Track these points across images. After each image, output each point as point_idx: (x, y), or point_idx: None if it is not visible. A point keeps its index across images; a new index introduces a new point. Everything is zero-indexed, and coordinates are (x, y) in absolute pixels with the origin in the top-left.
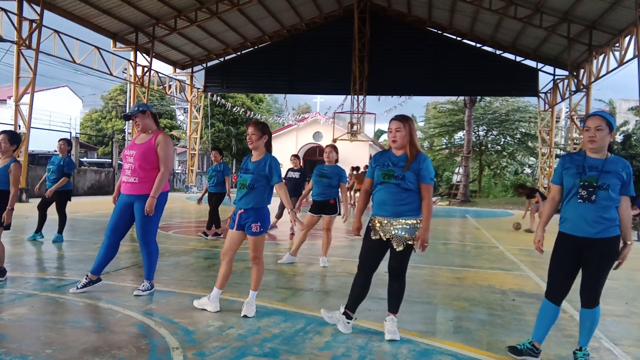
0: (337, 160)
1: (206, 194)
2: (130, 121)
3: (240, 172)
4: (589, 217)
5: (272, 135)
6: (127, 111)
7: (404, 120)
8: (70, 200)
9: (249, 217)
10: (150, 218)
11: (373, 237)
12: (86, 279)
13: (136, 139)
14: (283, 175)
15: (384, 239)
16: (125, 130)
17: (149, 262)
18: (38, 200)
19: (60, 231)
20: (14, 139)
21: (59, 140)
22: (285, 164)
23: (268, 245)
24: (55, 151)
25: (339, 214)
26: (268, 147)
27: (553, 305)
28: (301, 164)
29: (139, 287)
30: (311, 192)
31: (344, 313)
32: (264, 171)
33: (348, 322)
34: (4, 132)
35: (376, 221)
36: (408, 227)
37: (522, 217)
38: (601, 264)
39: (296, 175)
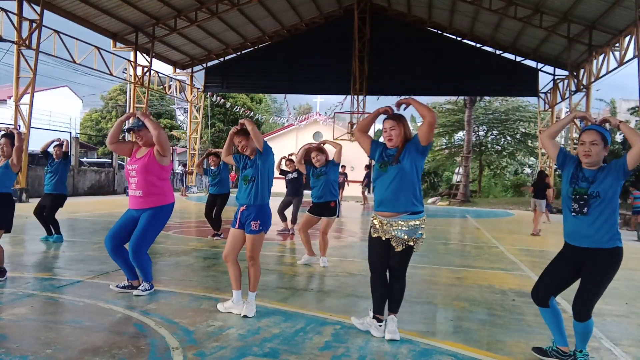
0: (326, 160)
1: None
2: (132, 134)
3: (241, 169)
4: (584, 230)
5: (272, 135)
6: (131, 124)
7: (397, 118)
8: (62, 207)
9: (250, 213)
10: (150, 227)
11: (374, 235)
12: (127, 282)
13: (136, 152)
14: (277, 164)
15: (383, 239)
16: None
17: (143, 270)
18: (37, 200)
19: (57, 231)
20: (8, 138)
21: (55, 147)
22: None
23: (267, 245)
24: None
25: (338, 216)
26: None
27: (543, 309)
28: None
29: (139, 287)
30: (311, 194)
31: (374, 318)
32: (260, 156)
33: (380, 326)
34: (5, 135)
35: (377, 220)
36: (407, 228)
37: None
38: (599, 276)
39: (294, 175)
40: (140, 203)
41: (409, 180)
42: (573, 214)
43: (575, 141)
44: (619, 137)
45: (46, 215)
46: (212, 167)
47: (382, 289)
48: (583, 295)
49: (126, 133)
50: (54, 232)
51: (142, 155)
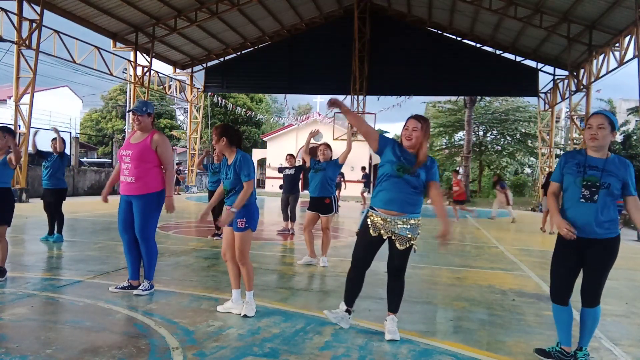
0: (331, 158)
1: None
2: (131, 114)
3: (223, 176)
4: (591, 217)
5: (272, 135)
6: (135, 106)
7: (422, 120)
8: (64, 200)
9: (237, 212)
10: (149, 216)
11: (373, 234)
12: (127, 282)
13: (131, 138)
14: (278, 169)
15: (384, 237)
16: (126, 130)
17: (149, 260)
18: (37, 200)
19: (59, 231)
20: (10, 134)
21: (52, 140)
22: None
23: (267, 245)
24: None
25: (335, 212)
26: (234, 145)
27: (562, 307)
28: (296, 164)
29: (139, 287)
30: (308, 189)
31: (346, 310)
32: (236, 172)
33: (349, 317)
34: (2, 129)
35: (378, 218)
36: (410, 226)
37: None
38: (603, 264)
39: (292, 171)
40: (132, 189)
41: (420, 189)
42: (582, 200)
43: (575, 141)
44: (619, 138)
45: (54, 212)
46: (215, 163)
47: (358, 284)
48: (591, 283)
49: (128, 113)
50: (56, 230)
51: (138, 142)
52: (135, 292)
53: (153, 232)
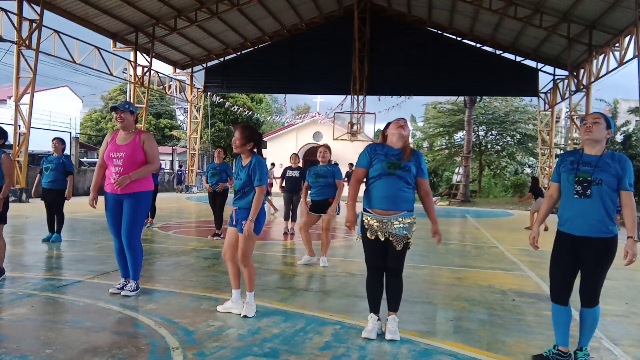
0: (330, 160)
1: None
2: (114, 113)
3: (235, 175)
4: (586, 213)
5: (272, 135)
6: (118, 104)
7: (406, 124)
8: (68, 199)
9: (243, 214)
10: (137, 217)
11: (371, 237)
12: (126, 281)
13: (116, 139)
14: (281, 174)
15: (382, 239)
16: None
17: (134, 263)
18: (37, 200)
19: (59, 231)
20: (2, 133)
21: (53, 139)
22: (285, 163)
23: (267, 245)
24: (50, 151)
25: (338, 213)
26: (255, 151)
27: (561, 307)
28: (300, 164)
29: (126, 287)
30: (309, 192)
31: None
32: (249, 175)
33: (379, 325)
34: None
35: (373, 220)
36: (406, 225)
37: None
38: (599, 264)
39: (295, 173)
40: (125, 188)
41: (412, 184)
42: (576, 196)
43: (575, 141)
44: (619, 137)
45: (55, 212)
46: (215, 162)
47: (378, 287)
48: (589, 283)
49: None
50: (56, 230)
51: (126, 143)
52: (123, 292)
53: (139, 234)
